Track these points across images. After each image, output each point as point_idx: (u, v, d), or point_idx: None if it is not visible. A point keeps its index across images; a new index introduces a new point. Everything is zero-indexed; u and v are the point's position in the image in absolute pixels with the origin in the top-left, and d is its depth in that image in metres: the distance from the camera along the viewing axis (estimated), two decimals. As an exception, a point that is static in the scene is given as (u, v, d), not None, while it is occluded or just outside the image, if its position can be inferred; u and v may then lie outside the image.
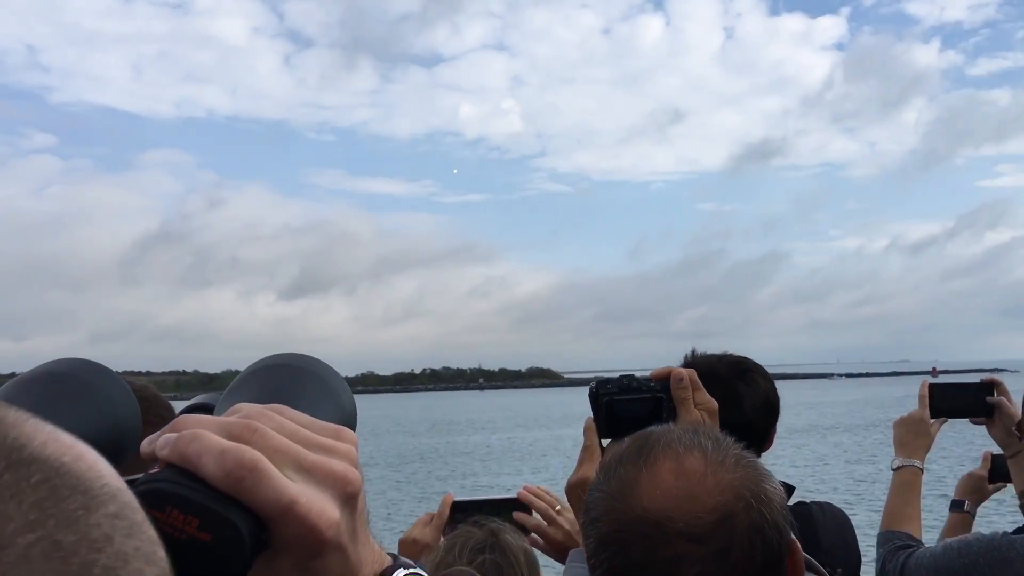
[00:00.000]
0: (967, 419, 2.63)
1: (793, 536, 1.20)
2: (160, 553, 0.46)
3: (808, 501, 2.37)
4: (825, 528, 2.29)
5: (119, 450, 0.74)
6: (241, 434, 0.57)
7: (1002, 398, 2.59)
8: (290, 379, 0.68)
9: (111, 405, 0.76)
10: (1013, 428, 2.56)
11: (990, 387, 2.62)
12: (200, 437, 0.56)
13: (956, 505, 3.08)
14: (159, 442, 0.57)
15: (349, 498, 0.59)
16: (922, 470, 2.51)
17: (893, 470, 2.54)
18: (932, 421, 2.58)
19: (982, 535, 2.15)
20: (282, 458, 0.57)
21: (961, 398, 2.61)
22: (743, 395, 2.27)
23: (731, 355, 2.40)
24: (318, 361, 0.71)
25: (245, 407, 0.61)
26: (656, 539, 1.12)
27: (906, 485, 2.49)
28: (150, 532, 0.46)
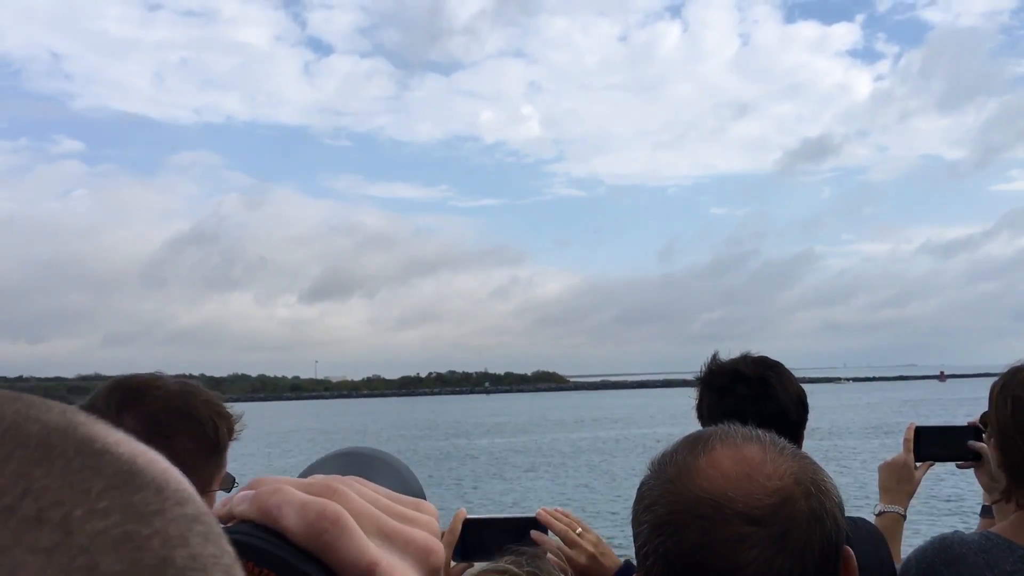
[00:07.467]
0: (954, 463, 2.56)
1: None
2: (239, 572, 0.41)
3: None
4: (859, 545, 2.20)
5: None
6: (323, 492, 0.54)
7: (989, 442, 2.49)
8: (361, 463, 0.69)
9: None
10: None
11: (977, 430, 2.53)
12: (281, 490, 0.53)
13: (986, 511, 3.04)
14: (235, 499, 0.54)
15: (431, 570, 0.56)
16: (904, 516, 2.48)
17: (875, 515, 2.49)
18: (918, 465, 2.54)
19: (936, 538, 2.10)
20: (364, 521, 0.54)
21: (947, 442, 2.54)
22: (775, 385, 2.20)
23: (753, 355, 2.34)
24: (386, 452, 0.74)
25: (324, 476, 0.58)
26: (715, 520, 1.09)
27: (886, 532, 2.45)
28: (228, 547, 0.41)
